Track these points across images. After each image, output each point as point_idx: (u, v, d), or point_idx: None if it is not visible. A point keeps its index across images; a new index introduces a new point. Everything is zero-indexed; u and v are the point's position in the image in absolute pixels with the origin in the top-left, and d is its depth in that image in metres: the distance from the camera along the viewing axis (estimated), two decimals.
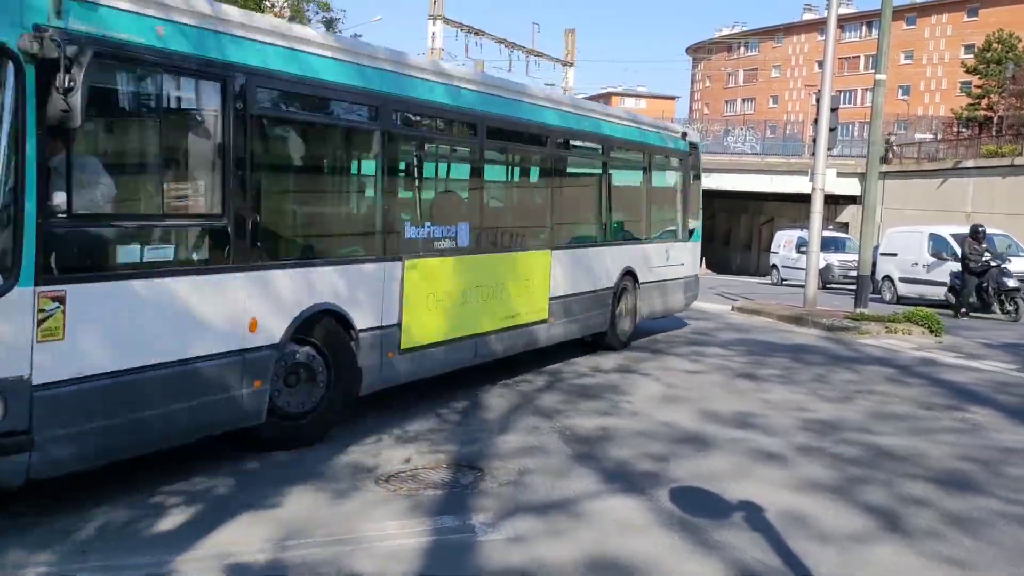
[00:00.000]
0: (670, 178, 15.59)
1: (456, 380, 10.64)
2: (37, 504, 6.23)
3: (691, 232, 15.76)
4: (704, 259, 52.63)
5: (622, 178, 13.99)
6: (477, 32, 53.72)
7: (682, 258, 15.34)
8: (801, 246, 33.07)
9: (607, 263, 12.96)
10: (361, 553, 5.53)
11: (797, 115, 79.15)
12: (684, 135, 15.60)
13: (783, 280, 35.87)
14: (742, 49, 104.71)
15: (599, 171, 13.14)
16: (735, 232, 58.67)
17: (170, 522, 6.01)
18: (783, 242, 37.26)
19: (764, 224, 52.77)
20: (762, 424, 9.24)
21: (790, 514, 6.48)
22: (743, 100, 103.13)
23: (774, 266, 37.64)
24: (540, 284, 11.11)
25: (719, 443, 8.43)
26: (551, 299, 11.34)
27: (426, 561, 5.46)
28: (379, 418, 9.06)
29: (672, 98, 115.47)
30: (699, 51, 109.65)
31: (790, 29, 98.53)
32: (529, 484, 7.02)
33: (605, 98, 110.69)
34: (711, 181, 46.70)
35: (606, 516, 6.35)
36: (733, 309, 21.33)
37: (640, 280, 13.84)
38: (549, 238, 11.44)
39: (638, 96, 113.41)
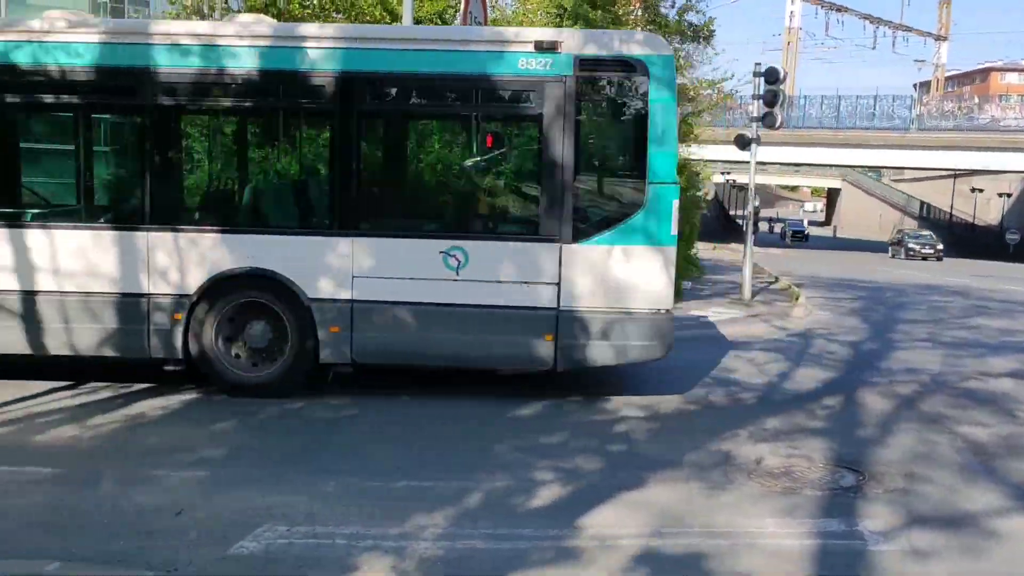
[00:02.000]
0: (490, 125, 9.14)
1: (829, 376, 10.09)
2: (431, 469, 6.65)
3: (608, 221, 8.46)
4: None
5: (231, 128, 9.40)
6: (839, 9, 50.91)
7: (547, 271, 8.36)
8: None
9: (126, 255, 8.42)
10: (742, 550, 5.32)
11: None
12: (549, 46, 8.28)
13: None
14: None
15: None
16: None
17: (548, 497, 6.15)
18: None
19: None
20: None
21: None
22: None
23: None
24: None
25: None
26: None
27: (815, 566, 5.14)
28: (745, 411, 8.77)
29: None
30: None
31: None
32: (921, 493, 6.42)
33: (982, 74, 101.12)
34: None
35: (1020, 536, 5.64)
36: None
37: (314, 296, 8.43)
38: None
39: (1021, 71, 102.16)
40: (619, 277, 8.36)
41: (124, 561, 4.88)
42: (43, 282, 8.42)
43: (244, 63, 8.44)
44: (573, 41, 8.40)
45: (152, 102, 8.45)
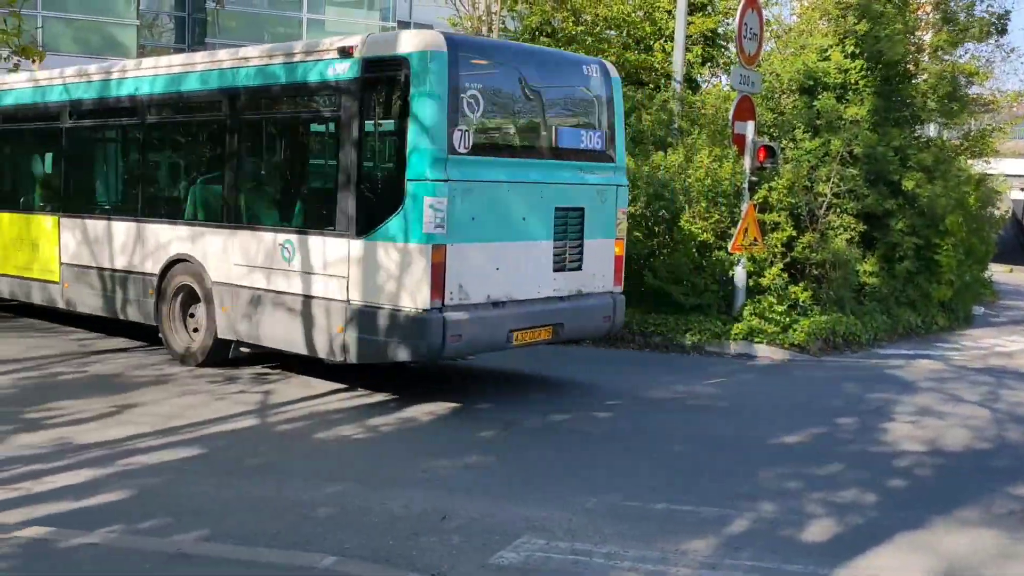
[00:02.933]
0: (308, 129, 9.98)
1: None
2: (691, 493, 6.45)
3: (380, 217, 8.34)
4: None
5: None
6: None
7: (340, 264, 8.58)
8: None
9: (148, 239, 10.56)
10: None
11: None
12: (347, 52, 8.58)
13: None
14: None
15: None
16: None
17: (819, 532, 5.77)
18: None
19: None
20: None
21: None
22: None
23: None
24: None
25: None
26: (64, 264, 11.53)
27: None
28: None
29: None
30: None
31: None
32: None
33: None
34: None
35: None
36: None
37: (214, 279, 9.68)
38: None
39: None
40: (385, 273, 8.33)
41: (391, 561, 5.06)
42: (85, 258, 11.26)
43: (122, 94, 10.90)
44: (364, 44, 8.58)
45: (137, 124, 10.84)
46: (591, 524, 5.72)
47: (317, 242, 8.80)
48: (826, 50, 14.83)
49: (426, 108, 8.10)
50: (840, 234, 13.52)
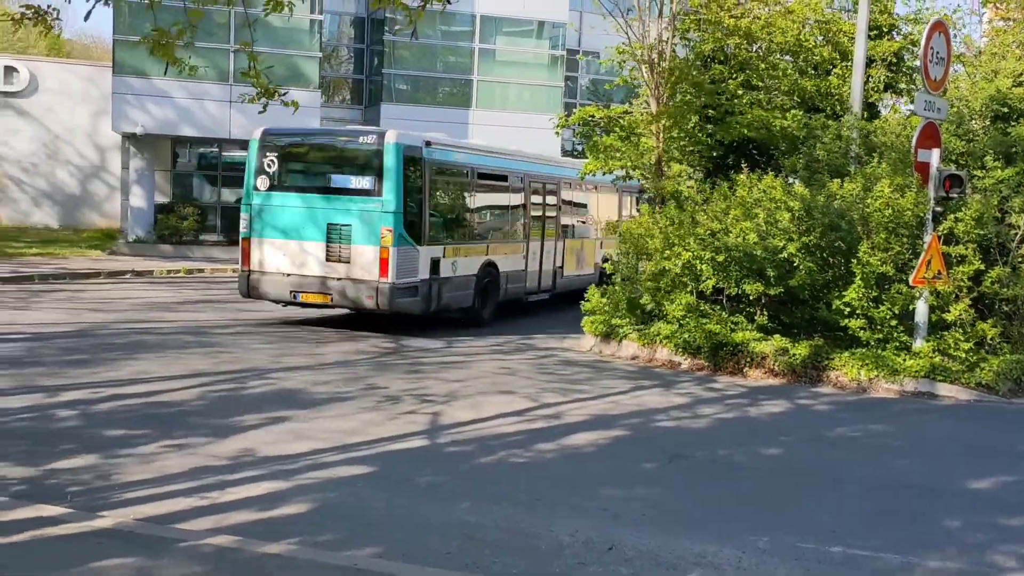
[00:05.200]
0: None
1: None
2: (869, 538, 6.17)
3: None
4: None
5: None
6: None
7: None
8: None
9: None
10: None
11: None
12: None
13: None
14: None
15: None
16: None
17: None
18: None
19: None
20: None
21: None
22: None
23: None
24: None
25: None
26: None
27: None
28: None
29: None
30: None
31: None
32: None
33: None
34: None
35: None
36: None
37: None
38: None
39: None
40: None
41: None
42: None
43: None
44: None
45: None
46: (763, 564, 5.56)
47: None
48: (1021, 74, 14.02)
49: (247, 168, 15.00)
50: None
